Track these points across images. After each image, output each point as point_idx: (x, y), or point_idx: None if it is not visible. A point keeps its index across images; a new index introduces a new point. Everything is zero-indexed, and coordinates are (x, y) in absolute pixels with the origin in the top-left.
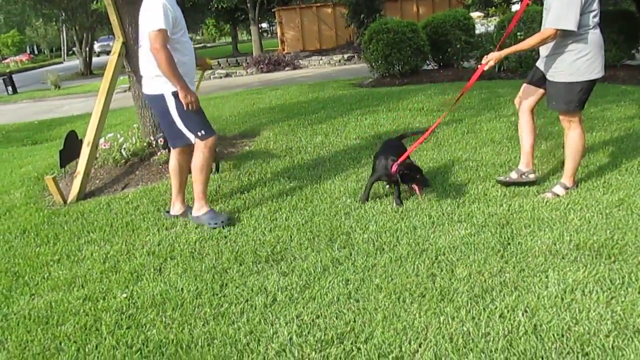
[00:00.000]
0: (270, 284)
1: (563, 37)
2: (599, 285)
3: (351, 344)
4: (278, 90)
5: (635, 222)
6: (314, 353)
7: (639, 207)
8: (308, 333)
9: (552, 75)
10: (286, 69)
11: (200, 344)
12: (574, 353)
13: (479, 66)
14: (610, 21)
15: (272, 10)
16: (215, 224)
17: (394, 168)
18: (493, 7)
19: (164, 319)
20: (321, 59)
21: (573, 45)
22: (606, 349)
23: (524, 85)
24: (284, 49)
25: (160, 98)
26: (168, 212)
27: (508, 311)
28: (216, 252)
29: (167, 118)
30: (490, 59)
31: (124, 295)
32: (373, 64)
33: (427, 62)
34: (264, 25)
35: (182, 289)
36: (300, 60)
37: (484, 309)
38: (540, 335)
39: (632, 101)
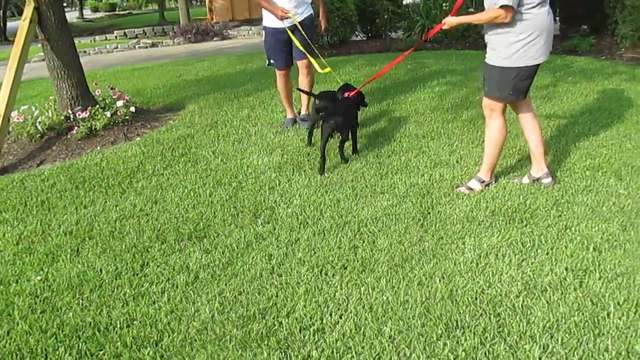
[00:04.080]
0: (193, 261)
1: None
2: (511, 248)
3: (273, 318)
4: (205, 61)
5: (546, 186)
6: (235, 329)
7: (550, 172)
8: (230, 310)
9: (488, 58)
10: (215, 39)
11: (119, 325)
12: (486, 314)
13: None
14: None
15: None
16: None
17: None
18: None
19: (81, 301)
20: (251, 29)
21: (512, 26)
22: (516, 308)
23: None
24: (212, 18)
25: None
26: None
27: (426, 278)
28: (137, 231)
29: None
30: (445, 22)
31: (39, 277)
32: None
33: (356, 32)
34: None
35: (100, 269)
36: (229, 30)
37: (403, 277)
38: (456, 300)
39: (548, 70)
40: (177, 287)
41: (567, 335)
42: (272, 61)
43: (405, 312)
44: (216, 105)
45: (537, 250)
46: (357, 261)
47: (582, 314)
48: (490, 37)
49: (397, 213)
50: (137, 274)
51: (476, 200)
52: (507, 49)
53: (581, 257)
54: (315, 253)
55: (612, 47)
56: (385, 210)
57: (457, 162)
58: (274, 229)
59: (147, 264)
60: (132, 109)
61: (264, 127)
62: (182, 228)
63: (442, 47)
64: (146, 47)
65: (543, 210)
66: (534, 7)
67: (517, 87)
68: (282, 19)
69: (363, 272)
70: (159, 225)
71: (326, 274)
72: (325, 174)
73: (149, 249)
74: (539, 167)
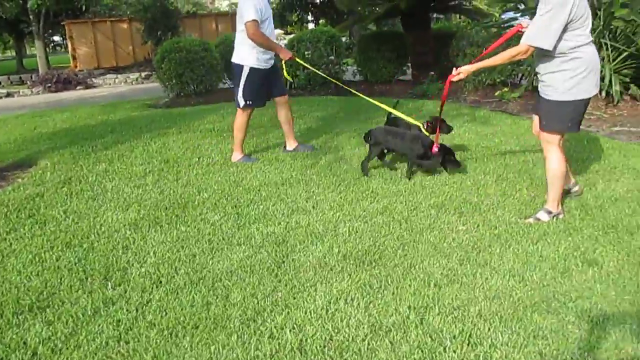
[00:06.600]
0: (31, 336)
1: (554, 56)
2: (360, 291)
3: None
4: (65, 112)
5: (395, 226)
6: None
7: (399, 212)
8: None
9: (544, 94)
10: (78, 88)
11: None
12: None
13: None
14: (385, 41)
15: (62, 23)
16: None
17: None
18: (290, 26)
19: None
20: (117, 77)
21: (566, 64)
22: (362, 352)
23: (533, 115)
24: (76, 66)
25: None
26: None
27: (277, 330)
28: None
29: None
30: (460, 72)
31: None
32: (167, 83)
33: (223, 80)
34: (57, 38)
35: None
36: (94, 79)
37: (254, 331)
38: (305, 350)
39: (403, 113)
40: None
41: None
42: (250, 102)
43: None
44: (71, 160)
45: (383, 291)
46: (210, 319)
47: (422, 351)
48: (545, 76)
49: (252, 264)
50: None
51: (329, 245)
52: (564, 84)
53: (423, 294)
54: (166, 314)
55: (457, 91)
56: (241, 262)
57: (313, 207)
58: (125, 292)
59: None
60: None
61: (122, 182)
62: (23, 299)
63: (306, 94)
64: (1, 98)
65: (391, 251)
66: (583, 45)
67: (574, 119)
68: (291, 59)
69: (215, 330)
70: None
71: (176, 336)
72: (182, 228)
73: None
74: (571, 181)
